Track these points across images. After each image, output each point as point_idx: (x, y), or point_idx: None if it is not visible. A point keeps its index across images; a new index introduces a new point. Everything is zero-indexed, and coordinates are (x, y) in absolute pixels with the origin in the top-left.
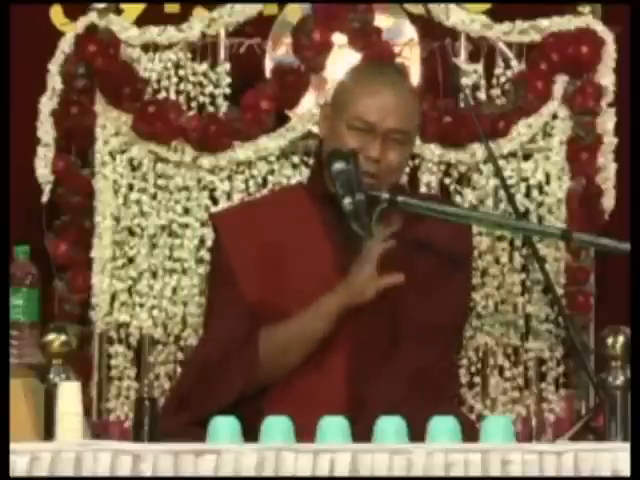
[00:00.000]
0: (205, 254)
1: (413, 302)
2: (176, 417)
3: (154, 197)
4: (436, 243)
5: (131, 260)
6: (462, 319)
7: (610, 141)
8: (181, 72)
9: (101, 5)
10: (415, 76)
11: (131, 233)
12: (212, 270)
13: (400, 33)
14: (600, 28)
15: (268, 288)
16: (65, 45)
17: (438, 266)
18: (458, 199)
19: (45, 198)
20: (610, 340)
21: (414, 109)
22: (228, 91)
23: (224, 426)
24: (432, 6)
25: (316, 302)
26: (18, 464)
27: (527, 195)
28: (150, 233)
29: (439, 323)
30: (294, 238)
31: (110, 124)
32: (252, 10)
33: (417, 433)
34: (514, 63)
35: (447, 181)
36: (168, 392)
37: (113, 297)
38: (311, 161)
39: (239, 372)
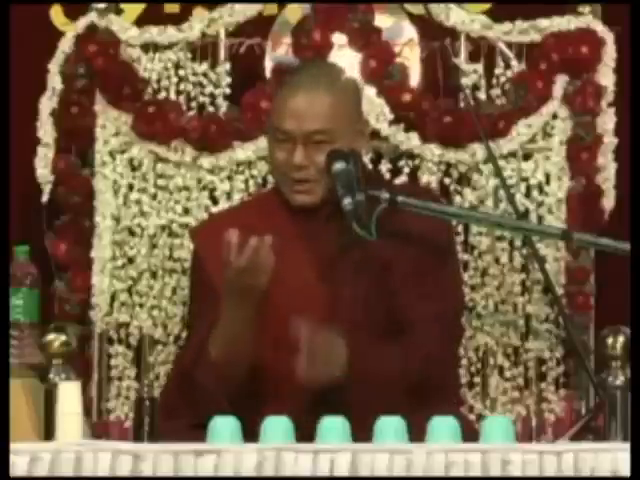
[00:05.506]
0: None
1: (405, 294)
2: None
3: (154, 197)
4: (417, 233)
5: (131, 260)
6: (456, 305)
7: (610, 141)
8: (181, 72)
9: (101, 5)
10: (415, 76)
11: (131, 233)
12: (192, 287)
13: (400, 33)
14: (600, 28)
15: None
16: (65, 45)
17: (422, 257)
18: (458, 199)
19: (45, 198)
20: (610, 340)
21: (338, 105)
22: (228, 91)
23: (224, 426)
24: (432, 6)
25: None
26: (18, 464)
27: (527, 195)
28: (150, 233)
29: (434, 312)
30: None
31: (110, 124)
32: (252, 10)
33: (417, 433)
34: (514, 63)
35: (447, 181)
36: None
37: (113, 297)
38: None
39: (209, 383)
